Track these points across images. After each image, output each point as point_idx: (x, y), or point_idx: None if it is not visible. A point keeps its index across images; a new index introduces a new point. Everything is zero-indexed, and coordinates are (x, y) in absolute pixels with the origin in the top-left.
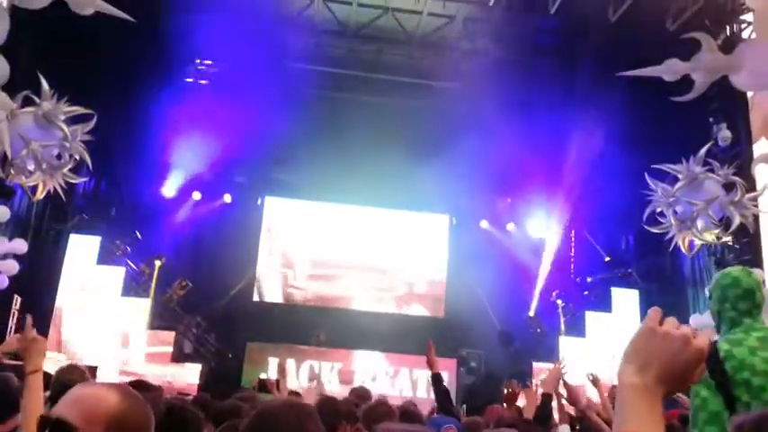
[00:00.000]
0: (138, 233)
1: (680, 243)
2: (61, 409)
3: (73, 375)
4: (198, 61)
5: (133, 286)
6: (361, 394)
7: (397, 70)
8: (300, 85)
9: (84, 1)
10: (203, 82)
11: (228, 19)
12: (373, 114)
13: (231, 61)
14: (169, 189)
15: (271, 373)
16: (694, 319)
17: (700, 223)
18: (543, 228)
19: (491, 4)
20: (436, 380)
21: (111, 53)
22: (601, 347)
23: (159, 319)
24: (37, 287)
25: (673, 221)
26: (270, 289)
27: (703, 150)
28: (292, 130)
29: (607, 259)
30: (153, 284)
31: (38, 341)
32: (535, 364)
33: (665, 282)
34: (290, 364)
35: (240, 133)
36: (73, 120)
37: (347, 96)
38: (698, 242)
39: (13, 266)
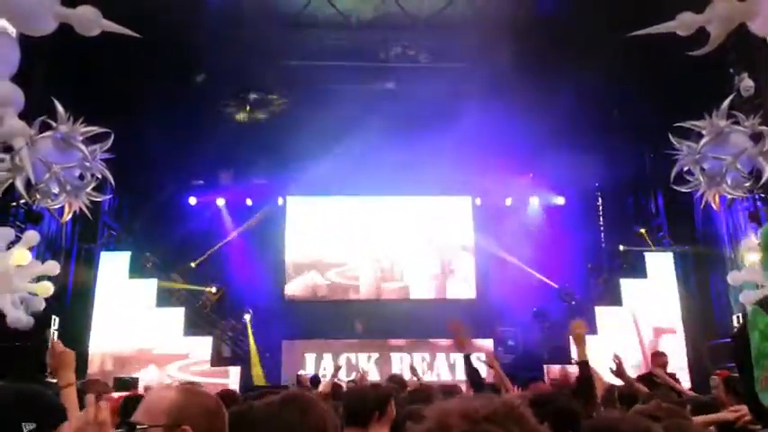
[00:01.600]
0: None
1: (710, 200)
2: (133, 415)
3: (94, 387)
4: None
5: (166, 297)
6: (397, 381)
7: (404, 56)
8: (309, 81)
9: (88, 23)
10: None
11: (231, 24)
12: (385, 103)
13: (239, 64)
14: (192, 197)
15: (308, 369)
16: (732, 277)
17: (729, 178)
18: (568, 199)
19: None
20: (467, 360)
21: (117, 69)
22: (638, 315)
23: (195, 326)
24: (73, 306)
25: (701, 178)
26: (300, 286)
27: (726, 103)
28: (306, 128)
29: (642, 231)
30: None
31: (65, 355)
32: (571, 338)
33: (699, 242)
34: (327, 358)
35: (255, 135)
36: (90, 139)
37: (357, 87)
38: (729, 197)
39: (48, 288)
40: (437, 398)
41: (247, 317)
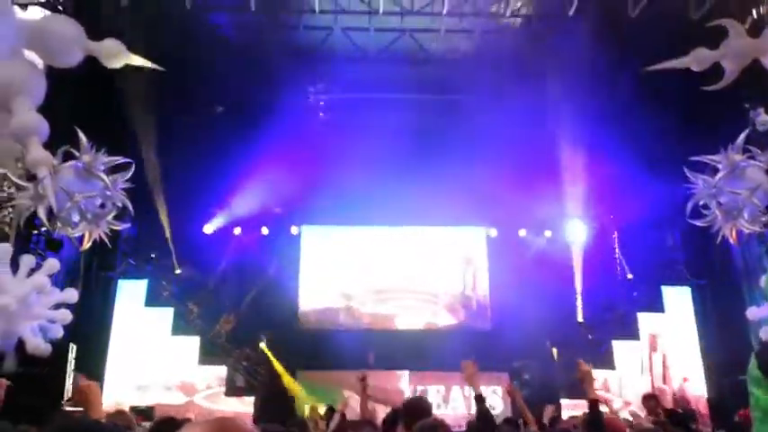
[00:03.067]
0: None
1: (727, 234)
2: None
3: (119, 419)
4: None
5: (182, 325)
6: (413, 405)
7: (420, 88)
8: (326, 111)
9: (114, 56)
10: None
11: (247, 57)
12: (401, 134)
13: (256, 95)
14: (209, 226)
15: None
16: (751, 312)
17: (746, 212)
18: (584, 232)
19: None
20: (479, 400)
21: (138, 100)
22: (657, 350)
23: (209, 355)
24: (90, 334)
25: (717, 213)
26: (314, 317)
27: (742, 137)
28: (322, 158)
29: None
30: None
31: (91, 388)
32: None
33: (716, 276)
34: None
35: (272, 165)
36: (111, 169)
37: (374, 118)
38: (747, 232)
39: (66, 315)
40: None
41: (262, 344)
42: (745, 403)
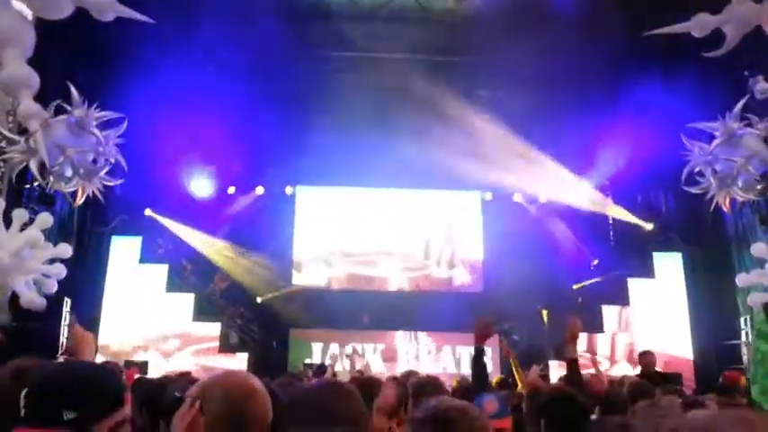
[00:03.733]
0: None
1: (721, 202)
2: None
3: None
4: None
5: (176, 282)
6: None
7: (416, 49)
8: (322, 71)
9: (104, 7)
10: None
11: (246, 13)
12: (397, 95)
13: (253, 53)
14: (203, 185)
15: (315, 358)
16: (740, 279)
17: (740, 180)
18: (578, 196)
19: None
20: (479, 353)
21: (130, 55)
22: (645, 315)
23: (204, 313)
24: (84, 289)
25: (712, 180)
26: (308, 276)
27: (740, 105)
28: (317, 118)
29: (650, 227)
30: None
31: (87, 337)
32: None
33: (708, 243)
34: (334, 348)
35: (267, 124)
36: (104, 124)
37: (370, 79)
38: (740, 199)
39: (60, 270)
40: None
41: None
42: (730, 365)
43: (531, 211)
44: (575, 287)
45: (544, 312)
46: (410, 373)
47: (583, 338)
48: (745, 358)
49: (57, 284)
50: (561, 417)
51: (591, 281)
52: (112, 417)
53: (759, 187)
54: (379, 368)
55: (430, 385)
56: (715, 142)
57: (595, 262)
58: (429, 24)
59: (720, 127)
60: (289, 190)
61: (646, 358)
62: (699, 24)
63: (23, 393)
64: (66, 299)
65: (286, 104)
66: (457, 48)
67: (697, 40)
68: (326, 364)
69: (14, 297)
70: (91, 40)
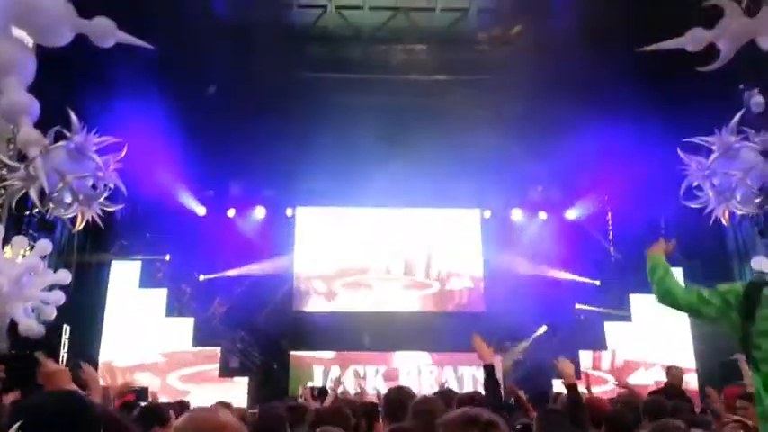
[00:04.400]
0: (168, 256)
1: (720, 216)
2: None
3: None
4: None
5: (176, 306)
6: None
7: (414, 69)
8: (320, 92)
9: (104, 34)
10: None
11: (244, 37)
12: (396, 115)
13: (251, 75)
14: (203, 208)
15: (316, 381)
16: (757, 261)
17: (739, 194)
18: (577, 212)
19: None
20: (489, 371)
21: (131, 80)
22: (648, 330)
23: (203, 337)
24: (83, 315)
25: (711, 194)
26: (308, 298)
27: (736, 119)
28: (316, 139)
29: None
30: None
31: (58, 375)
32: (581, 353)
33: (708, 257)
34: (335, 371)
35: (266, 146)
36: (103, 149)
37: (368, 100)
38: (739, 213)
39: (60, 297)
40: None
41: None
42: (731, 382)
43: (530, 228)
44: (577, 307)
45: (543, 328)
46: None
47: (587, 356)
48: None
49: (56, 311)
50: None
51: (593, 308)
52: None
53: (757, 201)
54: (381, 390)
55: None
56: (712, 156)
57: (582, 317)
58: (426, 44)
59: (717, 141)
60: (289, 212)
61: (675, 372)
62: (693, 39)
63: (15, 426)
64: (65, 325)
65: (285, 126)
66: (455, 67)
67: (691, 55)
68: (329, 387)
69: (13, 325)
70: (90, 66)
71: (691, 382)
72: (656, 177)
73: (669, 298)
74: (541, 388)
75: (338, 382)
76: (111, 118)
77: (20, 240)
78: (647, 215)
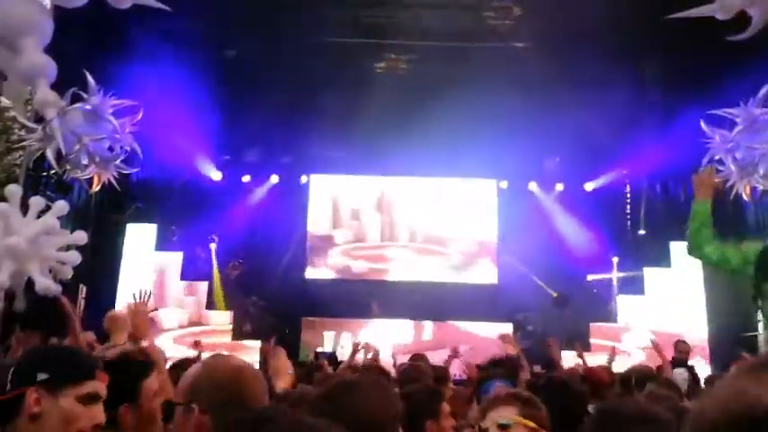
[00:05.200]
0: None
1: (741, 190)
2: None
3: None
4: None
5: (191, 270)
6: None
7: (435, 35)
8: (339, 58)
9: None
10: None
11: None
12: (413, 82)
13: (269, 39)
14: (218, 173)
15: (326, 347)
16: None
17: (762, 168)
18: (594, 185)
19: None
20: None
21: (148, 42)
22: (661, 304)
23: (217, 300)
24: (99, 276)
25: (733, 168)
26: (321, 265)
27: (763, 91)
28: (332, 106)
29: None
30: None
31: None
32: (592, 325)
33: (727, 231)
34: (345, 337)
35: (282, 111)
36: (120, 112)
37: (386, 65)
38: (761, 188)
39: (76, 257)
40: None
41: (213, 245)
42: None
43: (547, 199)
44: (589, 278)
45: (554, 294)
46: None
47: (599, 329)
48: (762, 350)
49: (72, 271)
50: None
51: (604, 276)
52: (82, 386)
53: None
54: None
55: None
56: (736, 129)
57: (595, 290)
58: (447, 10)
59: (742, 113)
60: (303, 179)
61: (681, 347)
62: (723, 7)
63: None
64: (81, 285)
65: (301, 92)
66: (475, 34)
67: (720, 24)
68: (337, 352)
69: (30, 283)
70: (109, 29)
71: (702, 356)
72: (679, 150)
73: (697, 252)
74: (550, 359)
75: (356, 348)
76: (128, 81)
77: (37, 201)
78: (666, 189)
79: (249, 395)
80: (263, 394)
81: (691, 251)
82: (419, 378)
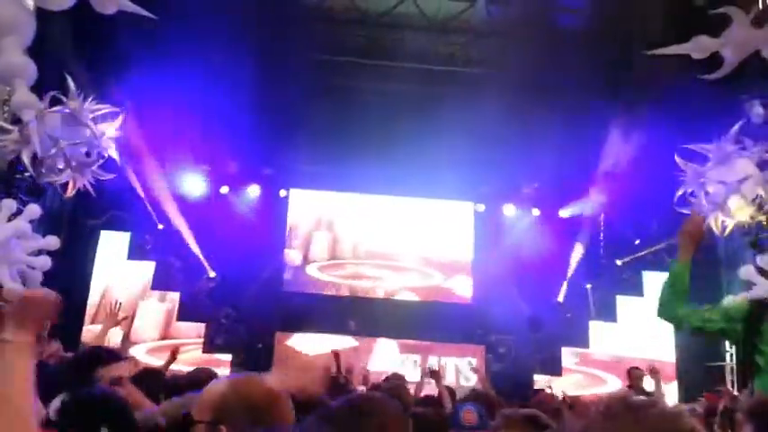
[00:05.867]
0: (161, 226)
1: (712, 224)
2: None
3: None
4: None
5: (163, 280)
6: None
7: (418, 57)
8: (323, 75)
9: (106, 1)
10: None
11: (245, 15)
12: (396, 102)
13: (252, 53)
14: (197, 184)
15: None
16: (728, 301)
17: (732, 203)
18: (570, 212)
19: None
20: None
21: (130, 50)
22: (632, 331)
23: (189, 312)
24: (70, 283)
25: (704, 202)
26: (297, 279)
27: (735, 128)
28: (315, 122)
29: (637, 242)
30: None
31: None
32: (564, 350)
33: (697, 264)
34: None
35: (264, 126)
36: (99, 117)
37: (370, 86)
38: (728, 223)
39: (46, 262)
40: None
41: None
42: (711, 388)
43: (522, 223)
44: (618, 263)
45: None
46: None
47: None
48: (728, 379)
49: (42, 276)
50: None
51: (637, 255)
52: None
53: (750, 211)
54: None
55: (394, 390)
56: (709, 164)
57: (588, 286)
58: (430, 33)
59: (715, 149)
60: (282, 192)
61: (636, 373)
62: (698, 47)
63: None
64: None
65: (282, 107)
66: (457, 57)
67: (695, 62)
68: None
69: None
70: (90, 34)
71: (670, 387)
72: (652, 181)
73: (672, 320)
74: (522, 382)
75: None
76: (107, 86)
77: (8, 204)
78: (638, 219)
79: (279, 418)
80: (290, 417)
81: (662, 314)
82: (401, 397)
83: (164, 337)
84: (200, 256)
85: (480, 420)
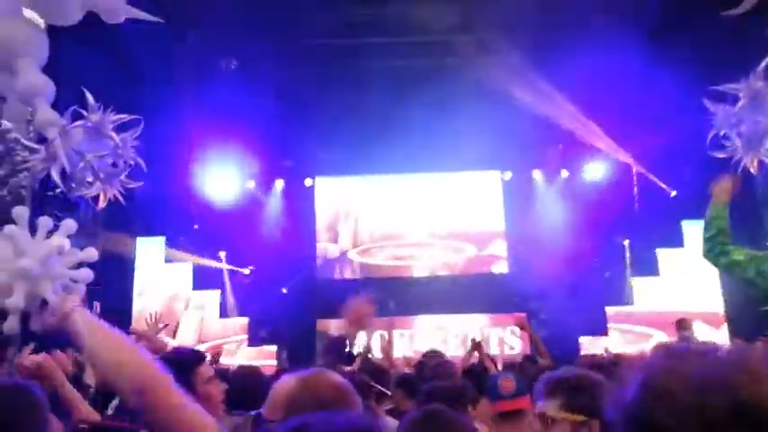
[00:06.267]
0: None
1: (748, 164)
2: None
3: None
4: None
5: (202, 279)
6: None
7: (426, 30)
8: (331, 59)
9: (115, 11)
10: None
11: (252, 4)
12: (411, 79)
13: (260, 45)
14: (225, 182)
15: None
16: None
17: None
18: (601, 170)
19: None
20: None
21: (144, 56)
22: (675, 284)
23: (230, 309)
24: (112, 292)
25: (738, 142)
26: (331, 266)
27: (763, 64)
28: (331, 108)
29: (673, 194)
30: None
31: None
32: (608, 309)
33: (736, 207)
34: (361, 336)
35: (282, 117)
36: (121, 127)
37: (381, 65)
38: None
39: (88, 275)
40: None
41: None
42: (762, 333)
43: (551, 188)
44: (595, 259)
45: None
46: (431, 354)
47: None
48: None
49: (85, 288)
50: None
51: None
52: None
53: None
54: (408, 354)
55: (441, 367)
56: (739, 104)
57: (607, 274)
58: (442, 4)
59: (744, 88)
60: (308, 182)
61: (684, 323)
62: None
63: None
64: (95, 302)
65: (300, 94)
66: (472, 26)
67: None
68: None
69: (44, 304)
70: (106, 44)
71: (720, 332)
72: (682, 129)
73: (712, 259)
74: (568, 347)
75: (368, 348)
76: (127, 95)
77: (45, 221)
78: (672, 168)
79: (347, 411)
80: (359, 410)
81: (706, 255)
82: (451, 374)
83: (206, 338)
84: (235, 253)
85: (518, 387)
